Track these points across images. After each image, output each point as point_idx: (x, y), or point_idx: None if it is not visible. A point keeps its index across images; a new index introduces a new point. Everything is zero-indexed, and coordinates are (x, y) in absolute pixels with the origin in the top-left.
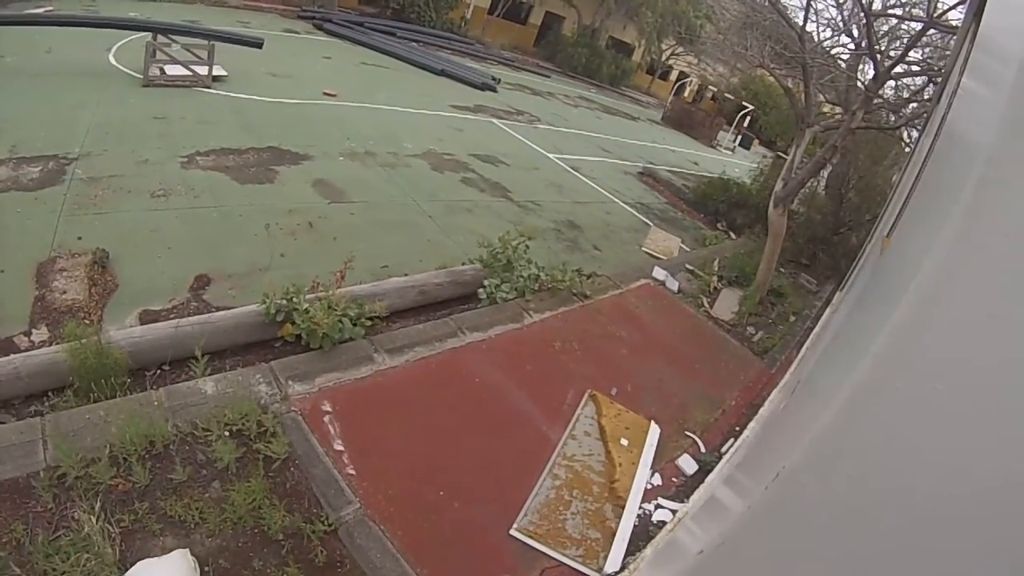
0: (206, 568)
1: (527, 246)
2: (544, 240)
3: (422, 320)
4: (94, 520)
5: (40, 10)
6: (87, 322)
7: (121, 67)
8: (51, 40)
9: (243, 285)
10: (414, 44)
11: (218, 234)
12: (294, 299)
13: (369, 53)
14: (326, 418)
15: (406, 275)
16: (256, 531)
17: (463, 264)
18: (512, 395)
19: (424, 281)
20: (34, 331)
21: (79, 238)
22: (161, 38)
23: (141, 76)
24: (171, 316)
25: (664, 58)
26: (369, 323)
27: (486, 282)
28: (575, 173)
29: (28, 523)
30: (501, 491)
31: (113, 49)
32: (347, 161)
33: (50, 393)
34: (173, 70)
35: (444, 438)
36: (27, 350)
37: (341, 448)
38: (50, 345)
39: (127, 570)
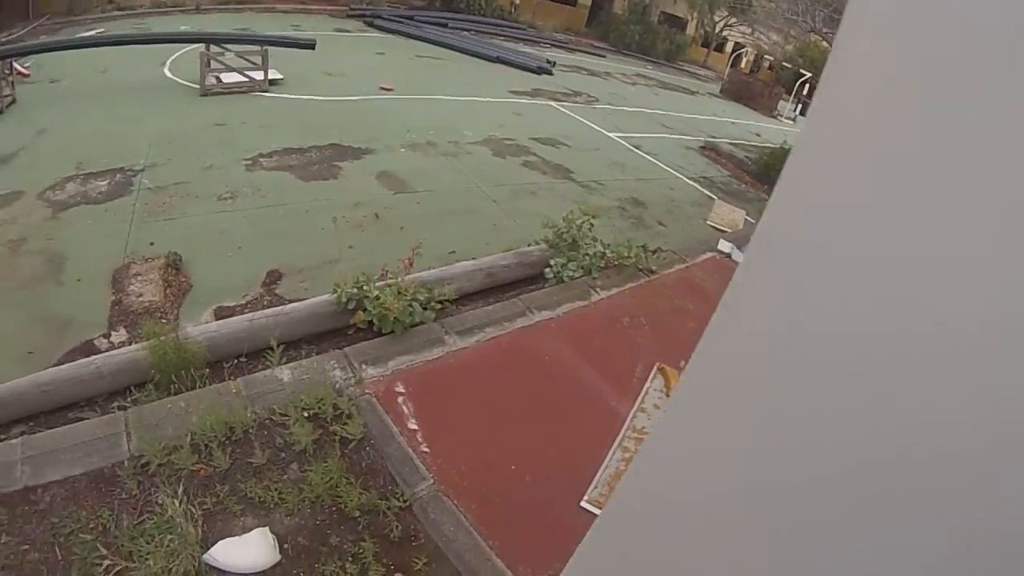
0: (285, 545)
1: (592, 225)
2: (608, 218)
3: (491, 302)
4: (177, 503)
5: (91, 33)
6: (163, 321)
7: (177, 79)
8: (106, 60)
9: (314, 278)
10: (466, 33)
11: (286, 231)
12: (364, 287)
13: (422, 46)
14: (400, 399)
15: (473, 259)
16: (333, 509)
17: (528, 246)
18: (582, 371)
19: (491, 264)
20: (113, 333)
21: (151, 244)
22: (214, 47)
23: (198, 86)
24: (246, 311)
25: (718, 30)
26: (439, 307)
27: (552, 262)
28: (636, 151)
29: (114, 509)
30: (571, 465)
31: (167, 63)
32: (409, 152)
33: (132, 389)
34: (229, 77)
35: (515, 415)
36: (107, 351)
37: (415, 427)
38: (129, 344)
39: (209, 549)
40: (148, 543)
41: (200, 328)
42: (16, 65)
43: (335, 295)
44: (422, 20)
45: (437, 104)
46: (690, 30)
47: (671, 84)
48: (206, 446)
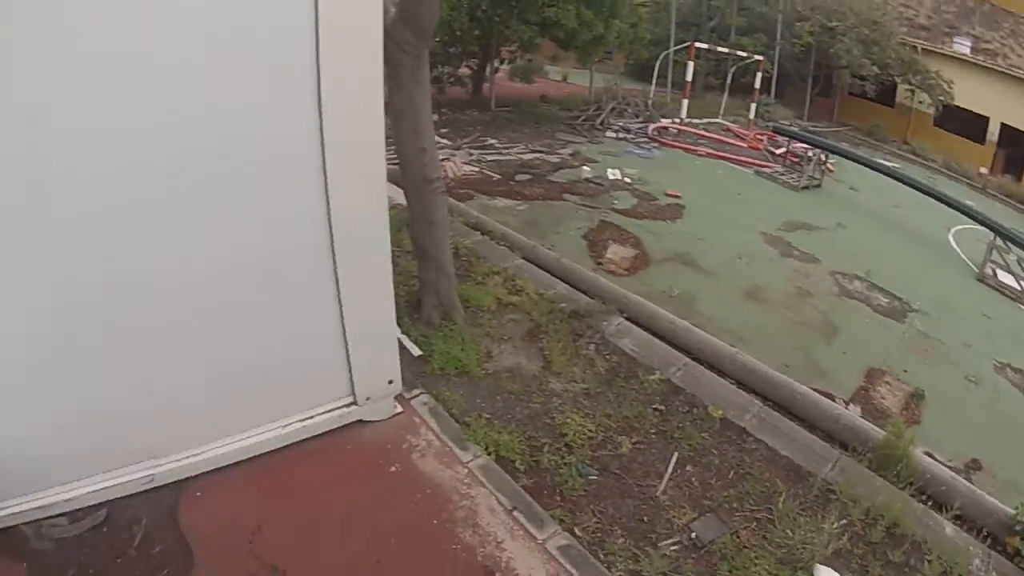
0: None
1: None
2: None
3: None
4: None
5: (888, 162)
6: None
7: (958, 250)
8: (899, 196)
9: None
10: None
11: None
12: None
13: None
14: None
15: None
16: None
17: None
18: None
19: None
20: (850, 405)
21: (904, 371)
22: (999, 241)
23: (975, 267)
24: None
25: None
26: None
27: None
28: None
29: (799, 488)
30: None
31: (952, 230)
32: None
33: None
34: (1005, 277)
35: None
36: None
37: None
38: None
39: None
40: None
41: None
42: (825, 158)
43: None
44: None
45: None
46: None
47: None
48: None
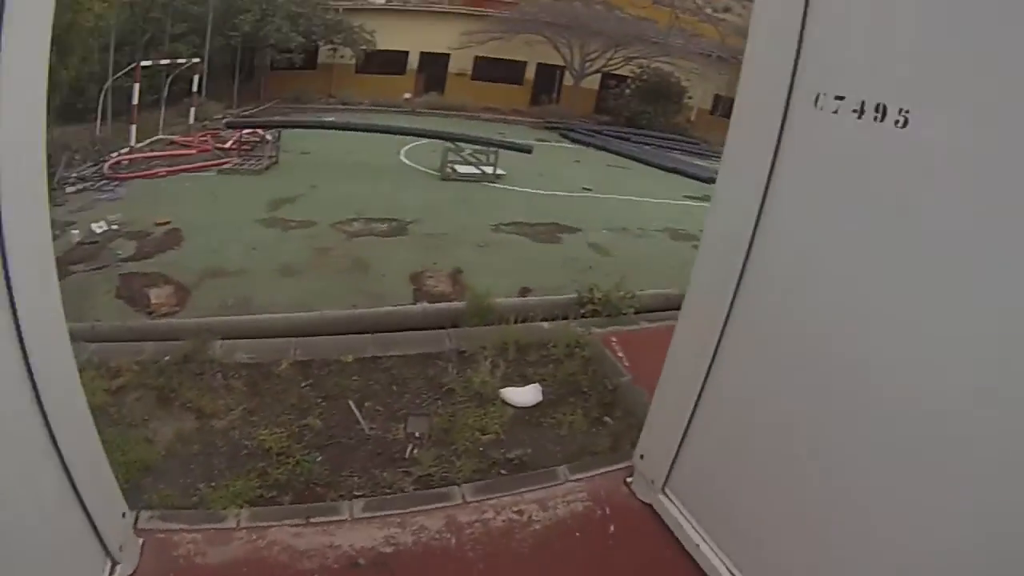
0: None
1: None
2: None
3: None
4: (488, 366)
5: (333, 119)
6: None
7: (416, 166)
8: (347, 144)
9: (552, 295)
10: (646, 147)
11: (530, 268)
12: (594, 290)
13: (610, 157)
14: (612, 342)
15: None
16: (572, 386)
17: None
18: None
19: (668, 292)
20: (419, 304)
21: (434, 263)
22: (450, 145)
23: (436, 172)
24: None
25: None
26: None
27: None
28: None
29: (437, 370)
30: None
31: (402, 152)
32: (608, 233)
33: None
34: (464, 169)
35: None
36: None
37: (621, 355)
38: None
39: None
40: (464, 384)
41: (497, 300)
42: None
43: (576, 295)
44: (609, 134)
45: (627, 202)
46: None
47: None
48: (501, 348)
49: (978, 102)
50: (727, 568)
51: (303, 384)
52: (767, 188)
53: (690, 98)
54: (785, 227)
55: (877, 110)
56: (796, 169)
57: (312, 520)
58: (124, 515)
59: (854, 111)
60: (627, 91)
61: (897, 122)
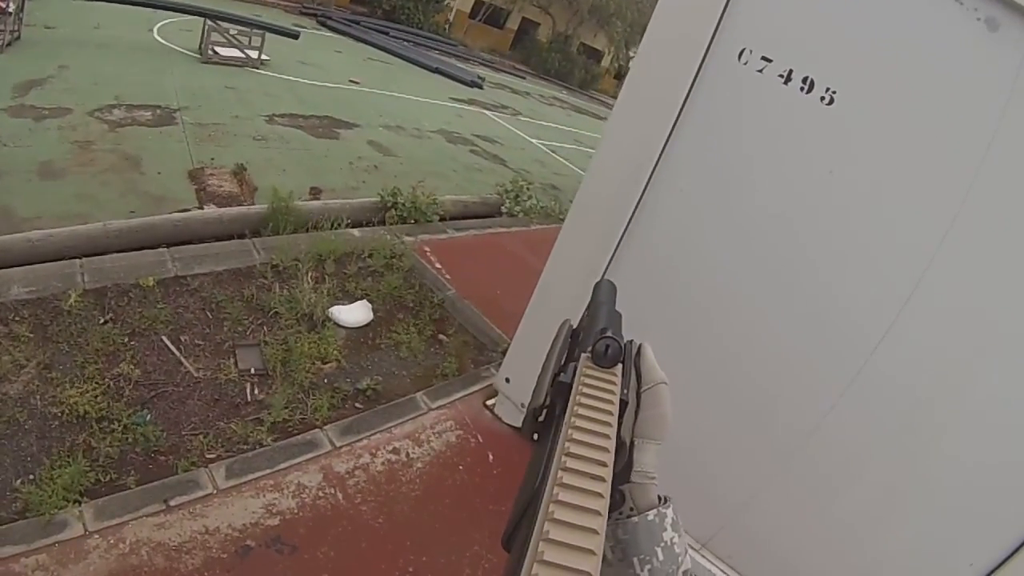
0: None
1: (529, 187)
2: (535, 193)
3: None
4: (309, 283)
5: None
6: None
7: (172, 45)
8: (95, 17)
9: (345, 196)
10: (407, 44)
11: (315, 166)
12: (396, 195)
13: (370, 50)
14: (427, 252)
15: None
16: (398, 301)
17: (487, 195)
18: (525, 256)
19: (466, 200)
20: (206, 207)
21: (212, 159)
22: (210, 23)
23: (195, 53)
24: None
25: (631, 64)
26: (441, 214)
27: (506, 203)
28: (553, 154)
29: (253, 290)
30: (519, 294)
31: (154, 29)
32: (385, 131)
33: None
34: (226, 51)
35: (492, 269)
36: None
37: (440, 267)
38: None
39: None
40: (290, 305)
41: (299, 203)
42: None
43: (379, 198)
44: (367, 26)
45: (396, 99)
46: (605, 62)
47: (584, 109)
48: (318, 261)
49: (904, 95)
50: None
51: (102, 320)
52: (674, 126)
53: None
54: (685, 167)
55: (804, 82)
56: (707, 113)
57: (172, 503)
58: None
59: (780, 76)
60: None
61: (823, 99)
